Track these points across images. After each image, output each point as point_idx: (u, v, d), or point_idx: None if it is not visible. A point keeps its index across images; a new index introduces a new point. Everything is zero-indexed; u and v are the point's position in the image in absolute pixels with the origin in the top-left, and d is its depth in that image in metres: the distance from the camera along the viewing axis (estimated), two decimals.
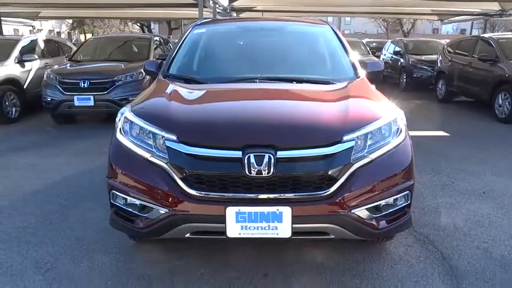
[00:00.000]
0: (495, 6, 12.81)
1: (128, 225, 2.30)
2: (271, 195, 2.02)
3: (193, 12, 12.91)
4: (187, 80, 2.97)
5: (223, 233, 2.05)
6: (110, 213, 2.39)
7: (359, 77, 3.00)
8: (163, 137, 2.16)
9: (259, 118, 2.28)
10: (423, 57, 11.16)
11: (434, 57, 10.50)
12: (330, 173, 2.04)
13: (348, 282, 2.32)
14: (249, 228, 2.02)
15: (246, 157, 2.00)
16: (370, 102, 2.55)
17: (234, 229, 2.02)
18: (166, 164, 2.11)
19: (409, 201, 2.28)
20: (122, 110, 2.50)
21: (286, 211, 1.99)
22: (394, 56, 12.59)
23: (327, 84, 2.87)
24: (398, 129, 2.29)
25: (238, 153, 2.02)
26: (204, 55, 3.42)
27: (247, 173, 1.99)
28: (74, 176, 4.24)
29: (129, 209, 2.26)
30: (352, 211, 2.07)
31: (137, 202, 2.22)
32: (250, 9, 15.06)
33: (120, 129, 2.38)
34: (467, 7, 13.60)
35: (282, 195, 2.02)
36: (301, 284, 2.31)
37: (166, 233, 2.17)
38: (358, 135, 2.13)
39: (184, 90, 2.72)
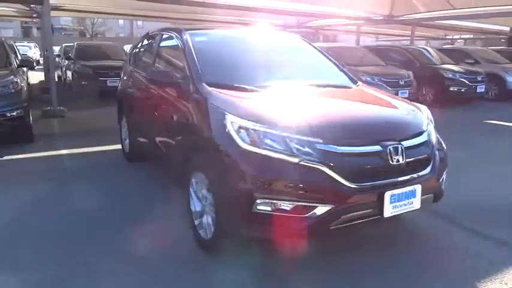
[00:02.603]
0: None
1: (275, 230, 2.36)
2: (407, 177, 2.52)
3: None
4: (240, 88, 3.00)
5: (378, 215, 2.42)
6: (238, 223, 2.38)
7: (356, 82, 3.69)
8: (309, 141, 2.35)
9: (377, 118, 2.72)
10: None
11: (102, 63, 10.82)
12: (428, 154, 2.68)
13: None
14: (397, 207, 2.46)
15: (388, 149, 2.44)
16: (408, 102, 3.27)
17: (388, 210, 2.43)
18: (321, 164, 2.31)
19: None
20: (237, 122, 2.47)
21: (418, 188, 2.53)
22: None
23: (349, 88, 3.47)
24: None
25: (378, 147, 2.44)
26: (235, 63, 3.46)
27: (391, 162, 2.44)
28: None
29: (281, 213, 2.33)
30: (440, 181, 2.78)
31: (293, 204, 2.32)
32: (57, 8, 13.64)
33: (247, 141, 2.40)
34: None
35: (412, 176, 2.55)
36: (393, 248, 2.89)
37: (325, 228, 2.37)
38: (427, 124, 2.85)
39: (275, 98, 2.87)
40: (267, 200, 2.31)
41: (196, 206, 2.95)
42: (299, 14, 15.21)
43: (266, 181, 2.32)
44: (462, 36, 23.48)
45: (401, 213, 2.54)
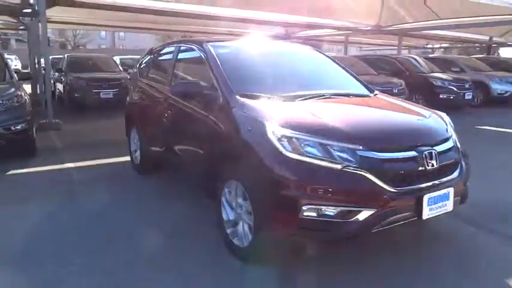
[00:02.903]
0: None
1: (320, 234, 2.44)
2: (441, 181, 2.63)
3: None
4: (272, 99, 3.08)
5: (417, 217, 2.52)
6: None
7: (373, 91, 3.82)
8: (349, 148, 2.43)
9: (408, 124, 2.84)
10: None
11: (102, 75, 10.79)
12: (455, 159, 2.81)
13: None
14: (433, 209, 2.56)
15: (423, 154, 2.55)
16: (428, 109, 3.39)
17: (426, 212, 2.53)
18: (363, 170, 2.40)
19: None
20: (278, 131, 2.54)
21: (451, 191, 2.65)
22: None
23: (369, 97, 3.59)
24: None
25: (414, 153, 2.55)
26: (260, 74, 3.53)
27: (426, 167, 2.55)
28: None
29: (326, 219, 2.40)
30: (466, 184, 2.91)
31: (338, 209, 2.39)
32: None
33: (289, 149, 2.47)
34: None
35: (445, 179, 2.66)
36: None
37: (367, 231, 2.45)
38: (451, 130, 2.99)
39: (308, 107, 2.95)
40: (313, 206, 2.38)
41: (229, 214, 2.99)
42: (290, 25, 15.48)
43: (312, 187, 2.40)
44: (442, 45, 24.21)
45: (438, 215, 2.64)
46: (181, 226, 3.47)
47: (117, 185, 4.65)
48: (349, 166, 2.40)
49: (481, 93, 11.63)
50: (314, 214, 2.39)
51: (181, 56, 4.12)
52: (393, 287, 2.54)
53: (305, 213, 2.39)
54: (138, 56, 21.79)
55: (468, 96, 10.50)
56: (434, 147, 2.65)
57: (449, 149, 2.78)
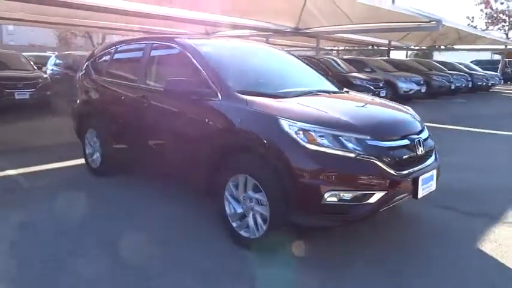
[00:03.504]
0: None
1: (339, 217, 2.68)
2: (427, 164, 3.05)
3: None
4: (270, 95, 3.22)
5: (413, 196, 2.89)
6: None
7: (342, 88, 4.17)
8: (360, 138, 2.72)
9: (398, 117, 3.20)
10: None
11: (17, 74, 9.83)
12: (432, 146, 3.26)
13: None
14: (425, 189, 2.96)
15: (414, 142, 2.94)
16: (397, 103, 3.83)
17: (420, 192, 2.91)
18: (373, 158, 2.70)
19: None
20: (295, 125, 2.72)
21: (434, 172, 3.08)
22: (66, 71, 11.55)
23: (347, 93, 3.94)
24: None
25: (407, 141, 2.93)
26: (247, 72, 3.67)
27: (418, 152, 2.94)
28: None
29: (345, 202, 2.64)
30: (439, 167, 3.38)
31: (355, 194, 2.65)
32: None
33: (305, 141, 2.66)
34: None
35: (429, 162, 3.08)
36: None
37: (377, 212, 2.75)
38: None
39: (308, 103, 3.17)
40: (334, 192, 2.61)
41: (235, 208, 3.08)
42: (210, 24, 15.50)
43: (332, 175, 2.62)
44: (347, 48, 26.31)
45: (427, 193, 3.05)
46: (173, 226, 3.44)
47: (78, 190, 4.35)
48: (361, 154, 2.67)
49: (391, 91, 13.02)
50: (335, 199, 2.62)
51: (155, 53, 4.04)
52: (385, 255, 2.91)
53: (327, 199, 2.60)
54: (45, 54, 19.79)
55: (382, 93, 11.70)
56: (420, 136, 3.06)
57: (427, 137, 3.23)
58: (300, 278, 2.65)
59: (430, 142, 3.24)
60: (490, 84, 19.33)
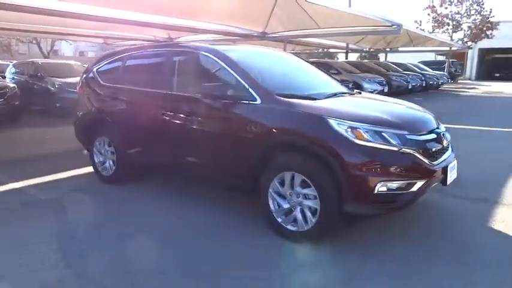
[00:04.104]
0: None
1: (388, 206, 2.97)
2: (450, 154, 3.42)
3: None
4: (306, 97, 3.46)
5: (443, 184, 3.24)
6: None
7: (353, 90, 4.50)
8: (400, 134, 3.03)
9: (422, 114, 3.57)
10: (69, 80, 10.29)
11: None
12: (449, 139, 3.65)
13: None
14: (451, 176, 3.32)
15: (440, 135, 3.31)
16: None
17: (449, 179, 3.27)
18: (413, 150, 3.02)
19: None
20: (344, 123, 2.97)
21: (456, 162, 3.46)
22: (29, 80, 11.18)
23: (362, 94, 4.28)
24: None
25: (434, 135, 3.29)
26: (274, 76, 3.90)
27: (443, 144, 3.31)
28: None
29: (393, 192, 2.93)
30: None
31: (402, 183, 2.94)
32: None
33: (354, 137, 2.92)
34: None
35: (451, 153, 3.45)
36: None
37: (418, 199, 3.06)
38: None
39: (345, 103, 3.52)
40: (384, 182, 2.89)
41: (281, 204, 3.27)
42: (174, 29, 15.36)
43: (381, 167, 2.90)
44: (305, 51, 27.10)
45: (453, 180, 3.41)
46: (217, 227, 3.58)
47: (95, 197, 4.35)
48: (403, 148, 2.98)
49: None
50: (384, 189, 2.91)
51: (179, 60, 4.12)
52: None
53: (379, 189, 2.88)
54: None
55: None
56: (442, 130, 3.44)
57: (445, 131, 3.61)
58: (345, 258, 2.93)
59: (448, 135, 3.63)
60: (440, 83, 20.84)
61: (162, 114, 4.02)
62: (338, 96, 3.79)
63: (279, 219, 3.29)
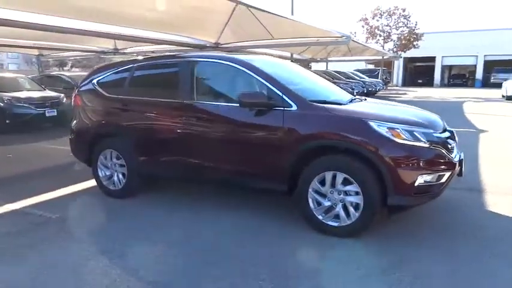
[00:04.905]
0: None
1: (425, 196, 3.35)
2: (458, 150, 3.89)
3: None
4: (332, 103, 3.76)
5: (460, 175, 3.68)
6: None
7: (354, 95, 4.89)
8: (428, 132, 3.43)
9: (434, 115, 3.98)
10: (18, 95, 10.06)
11: (35, 94, 10.29)
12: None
13: None
14: (463, 169, 3.79)
15: (452, 133, 3.77)
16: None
17: (463, 171, 3.72)
18: (439, 146, 3.42)
19: None
20: (384, 125, 3.30)
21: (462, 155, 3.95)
22: None
23: (373, 99, 4.67)
24: None
25: (448, 133, 3.74)
26: (297, 84, 4.10)
27: (456, 141, 3.78)
28: None
29: (429, 183, 3.30)
30: None
31: (435, 175, 3.32)
32: None
33: (395, 137, 3.27)
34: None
35: (458, 150, 3.93)
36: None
37: (445, 189, 3.47)
38: None
39: (372, 107, 3.89)
40: (423, 175, 3.25)
41: (322, 202, 3.51)
42: (121, 38, 14.87)
43: (420, 162, 3.26)
44: None
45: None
46: (267, 227, 3.72)
47: (110, 211, 4.25)
48: (432, 144, 3.38)
49: None
50: (423, 181, 3.26)
51: (200, 70, 4.19)
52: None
53: (419, 181, 3.23)
54: None
55: None
56: (450, 129, 3.91)
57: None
58: (390, 247, 3.26)
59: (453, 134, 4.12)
60: (377, 89, 22.47)
61: (181, 123, 4.07)
62: (356, 102, 4.13)
63: (320, 217, 3.52)
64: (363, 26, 30.86)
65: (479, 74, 38.92)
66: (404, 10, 30.79)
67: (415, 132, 3.36)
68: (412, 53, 33.36)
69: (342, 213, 3.44)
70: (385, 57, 26.08)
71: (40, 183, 5.24)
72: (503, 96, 21.88)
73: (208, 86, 4.17)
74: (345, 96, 4.34)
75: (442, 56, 39.63)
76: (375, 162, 3.27)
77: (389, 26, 31.05)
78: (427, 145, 3.35)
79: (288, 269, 2.98)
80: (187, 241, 3.49)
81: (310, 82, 4.57)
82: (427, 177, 3.30)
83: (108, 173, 4.73)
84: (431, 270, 2.93)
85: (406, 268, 2.95)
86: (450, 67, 43.33)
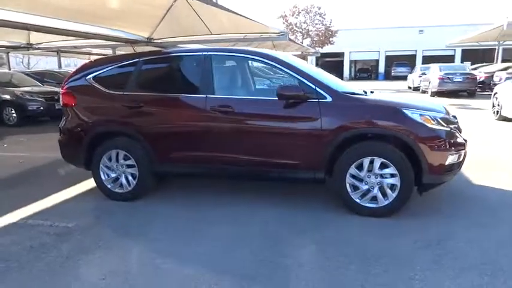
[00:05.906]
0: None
1: (451, 173, 3.80)
2: None
3: None
4: (359, 94, 4.03)
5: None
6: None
7: None
8: (446, 118, 3.89)
9: (435, 102, 4.43)
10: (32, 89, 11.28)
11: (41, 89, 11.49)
12: None
13: None
14: None
15: (456, 118, 4.29)
16: None
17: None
18: (455, 129, 3.89)
19: None
20: (416, 112, 3.67)
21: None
22: None
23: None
24: None
25: (455, 118, 4.25)
26: (323, 77, 4.24)
27: (459, 123, 4.31)
28: None
29: (455, 161, 3.76)
30: None
31: (458, 153, 3.77)
32: None
33: (423, 122, 3.65)
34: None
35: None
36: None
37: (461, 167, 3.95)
38: None
39: (390, 97, 4.21)
40: (450, 155, 3.68)
41: (360, 186, 3.76)
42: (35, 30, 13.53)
43: (447, 143, 3.68)
44: None
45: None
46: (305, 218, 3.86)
47: (133, 212, 4.04)
48: (451, 128, 3.84)
49: None
50: (450, 160, 3.69)
51: (218, 64, 4.15)
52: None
53: (448, 161, 3.66)
54: None
55: None
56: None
57: None
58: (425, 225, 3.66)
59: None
60: None
61: (222, 120, 4.00)
62: (372, 94, 4.44)
63: (357, 200, 3.78)
64: (283, 23, 32.05)
65: (381, 68, 42.99)
66: (319, 8, 32.71)
67: (437, 118, 3.78)
68: (324, 49, 35.58)
69: (380, 195, 3.73)
70: (304, 53, 27.38)
71: (39, 184, 4.70)
72: (409, 87, 24.57)
73: (238, 81, 4.16)
74: (356, 88, 4.63)
75: (350, 52, 42.91)
76: (411, 146, 3.60)
77: (307, 23, 32.72)
78: (448, 128, 3.79)
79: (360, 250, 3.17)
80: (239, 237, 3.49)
81: (325, 75, 4.76)
82: (453, 157, 3.74)
83: (113, 175, 4.43)
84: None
85: (455, 236, 3.35)
86: (355, 62, 47.09)
